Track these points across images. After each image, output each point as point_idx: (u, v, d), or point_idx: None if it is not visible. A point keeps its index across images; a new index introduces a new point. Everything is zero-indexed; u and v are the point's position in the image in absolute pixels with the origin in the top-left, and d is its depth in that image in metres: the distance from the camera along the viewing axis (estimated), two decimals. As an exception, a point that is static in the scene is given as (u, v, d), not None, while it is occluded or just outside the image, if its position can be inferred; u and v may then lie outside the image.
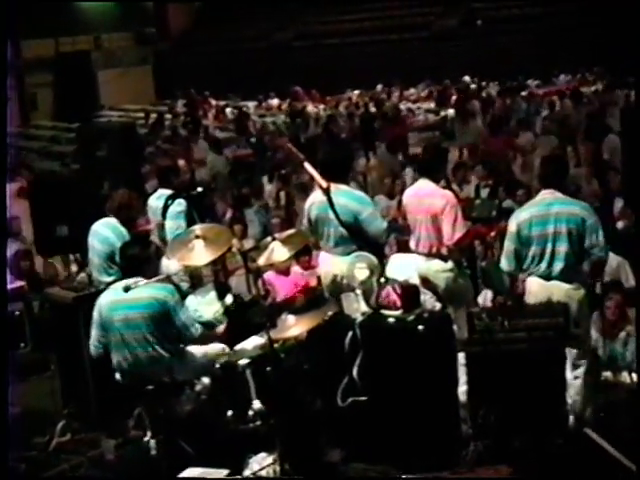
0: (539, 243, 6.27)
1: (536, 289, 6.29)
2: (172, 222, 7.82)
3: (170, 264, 7.30)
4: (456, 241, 7.00)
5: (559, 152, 11.98)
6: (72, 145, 18.55)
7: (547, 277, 6.26)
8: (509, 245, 6.44)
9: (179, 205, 7.86)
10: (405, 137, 16.61)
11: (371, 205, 7.10)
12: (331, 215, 6.92)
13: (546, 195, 6.36)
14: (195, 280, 7.65)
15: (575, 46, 22.91)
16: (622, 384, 6.94)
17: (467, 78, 23.95)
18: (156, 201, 8.15)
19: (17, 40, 26.88)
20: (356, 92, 24.16)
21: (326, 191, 6.96)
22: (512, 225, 6.42)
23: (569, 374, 6.09)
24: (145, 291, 6.18)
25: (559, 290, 6.20)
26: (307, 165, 7.46)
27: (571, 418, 6.05)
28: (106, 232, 7.70)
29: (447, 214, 6.97)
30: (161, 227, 8.00)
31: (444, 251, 7.03)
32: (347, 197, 6.96)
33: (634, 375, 6.99)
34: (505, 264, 6.49)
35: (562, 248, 6.22)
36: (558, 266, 6.23)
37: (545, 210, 6.27)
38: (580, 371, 6.27)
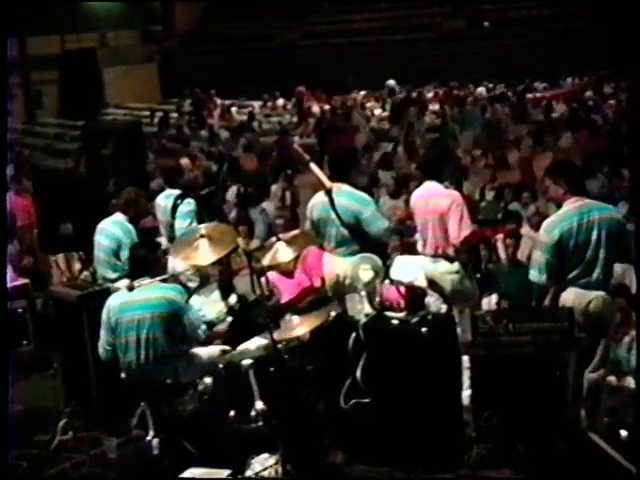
0: (580, 252, 6.15)
1: (572, 298, 6.21)
2: (182, 222, 7.82)
3: (177, 263, 7.30)
4: (463, 240, 6.97)
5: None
6: (77, 143, 18.59)
7: (584, 286, 6.18)
8: (541, 255, 6.24)
9: (188, 205, 7.87)
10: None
11: (372, 205, 7.11)
12: (333, 216, 6.94)
13: (579, 202, 6.26)
14: (203, 279, 7.64)
15: (582, 48, 22.87)
16: (626, 389, 6.90)
17: (391, 82, 23.99)
18: (165, 200, 8.16)
19: (23, 37, 26.91)
20: (362, 92, 24.15)
21: (328, 192, 6.98)
22: (549, 235, 6.20)
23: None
24: (154, 291, 6.19)
25: (597, 298, 6.15)
26: (312, 165, 7.48)
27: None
28: (113, 229, 7.76)
29: (453, 213, 6.95)
30: (170, 226, 8.00)
31: (450, 251, 7.01)
32: (348, 197, 6.98)
33: (639, 380, 6.96)
34: (536, 275, 6.28)
35: (602, 255, 6.16)
36: (596, 274, 6.17)
37: (586, 218, 6.16)
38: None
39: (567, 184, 6.30)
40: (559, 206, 6.39)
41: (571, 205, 6.24)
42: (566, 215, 6.23)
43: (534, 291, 6.58)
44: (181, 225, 7.82)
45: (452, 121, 18.24)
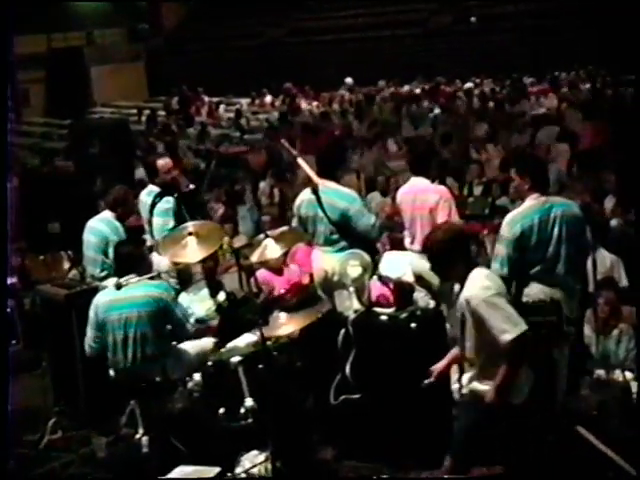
0: (542, 248, 6.10)
1: (535, 292, 6.19)
2: (159, 219, 7.82)
3: (161, 261, 7.29)
4: None
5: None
6: (64, 142, 18.55)
7: (548, 282, 6.17)
8: (503, 250, 6.16)
9: (167, 202, 7.86)
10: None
11: (358, 201, 7.10)
12: (320, 213, 6.94)
13: (542, 198, 6.23)
14: (184, 277, 7.64)
15: (569, 44, 22.89)
16: (615, 382, 6.93)
17: (349, 80, 24.33)
18: (146, 197, 8.16)
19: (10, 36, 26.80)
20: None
21: (314, 190, 6.98)
22: (510, 230, 6.13)
23: None
24: (140, 289, 6.18)
25: (559, 295, 6.14)
26: (301, 161, 7.49)
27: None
28: (100, 226, 7.77)
29: (441, 208, 6.97)
30: (149, 223, 8.00)
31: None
32: (334, 195, 6.98)
33: (627, 373, 6.99)
34: (497, 269, 6.15)
35: (563, 251, 6.14)
36: (559, 269, 6.16)
37: (547, 214, 6.14)
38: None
39: (532, 179, 6.23)
40: (521, 199, 6.36)
41: (534, 201, 6.17)
42: (528, 211, 6.17)
43: None
44: (157, 222, 7.81)
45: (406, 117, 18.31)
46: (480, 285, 5.01)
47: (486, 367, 5.08)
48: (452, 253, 5.12)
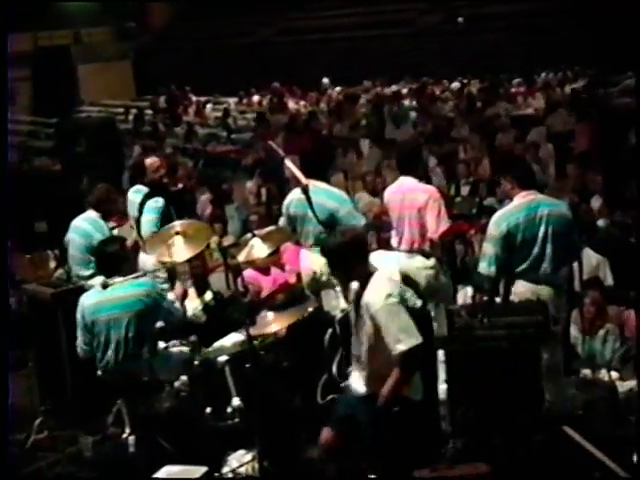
0: (528, 246, 6.13)
1: (522, 291, 6.21)
2: (147, 216, 7.80)
3: (147, 260, 7.27)
4: (440, 234, 6.99)
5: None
6: (51, 140, 18.49)
7: (534, 280, 6.18)
8: (491, 249, 6.20)
9: (156, 202, 7.85)
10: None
11: (348, 203, 7.11)
12: (310, 213, 6.94)
13: (530, 196, 6.26)
14: (170, 276, 7.63)
15: (558, 44, 22.92)
16: (601, 382, 6.96)
17: (326, 80, 24.68)
18: (133, 195, 8.14)
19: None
20: (337, 89, 24.16)
21: (304, 189, 6.98)
22: (497, 229, 6.18)
23: None
24: (126, 290, 6.16)
25: (546, 293, 6.15)
26: (288, 162, 7.50)
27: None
28: (85, 225, 7.76)
29: (430, 208, 6.98)
30: (137, 222, 7.99)
31: (427, 247, 7.02)
32: (324, 195, 6.98)
33: (613, 373, 7.02)
34: (485, 267, 6.25)
35: (549, 250, 6.15)
36: (544, 268, 6.17)
37: (534, 213, 6.15)
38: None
39: (515, 179, 6.28)
40: (510, 199, 6.38)
41: (521, 199, 6.22)
42: (514, 210, 6.21)
43: (485, 283, 6.55)
44: (146, 220, 7.78)
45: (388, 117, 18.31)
46: (382, 291, 5.03)
47: (379, 370, 5.11)
48: (350, 255, 5.15)
